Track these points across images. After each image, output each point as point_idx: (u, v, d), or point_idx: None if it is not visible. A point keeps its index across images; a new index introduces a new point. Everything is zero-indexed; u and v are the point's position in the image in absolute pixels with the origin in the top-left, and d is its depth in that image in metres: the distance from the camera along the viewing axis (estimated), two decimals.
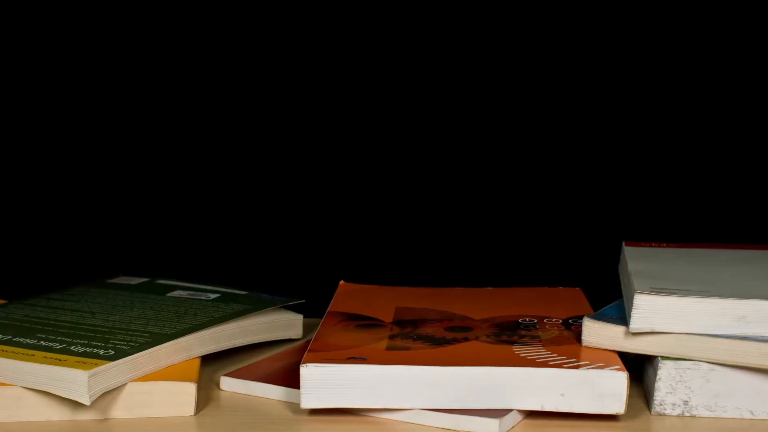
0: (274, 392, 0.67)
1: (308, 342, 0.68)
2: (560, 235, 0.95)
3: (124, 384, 0.63)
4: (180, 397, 0.64)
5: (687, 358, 0.63)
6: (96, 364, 0.61)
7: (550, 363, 0.62)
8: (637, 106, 0.93)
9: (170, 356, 0.67)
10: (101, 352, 0.64)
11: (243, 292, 0.83)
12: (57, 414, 0.62)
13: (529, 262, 0.95)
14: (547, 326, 0.71)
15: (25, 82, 0.97)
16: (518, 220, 0.96)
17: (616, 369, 0.61)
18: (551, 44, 0.93)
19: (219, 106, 0.98)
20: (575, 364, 0.62)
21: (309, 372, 0.62)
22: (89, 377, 0.60)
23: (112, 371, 0.62)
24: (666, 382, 0.63)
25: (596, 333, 0.66)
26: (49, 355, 0.63)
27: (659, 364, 0.63)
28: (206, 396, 0.68)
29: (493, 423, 0.60)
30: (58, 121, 0.98)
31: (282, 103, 0.97)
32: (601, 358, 0.63)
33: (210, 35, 0.96)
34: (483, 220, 0.96)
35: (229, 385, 0.70)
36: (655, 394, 0.64)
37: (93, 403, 0.62)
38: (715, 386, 0.63)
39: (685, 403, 0.63)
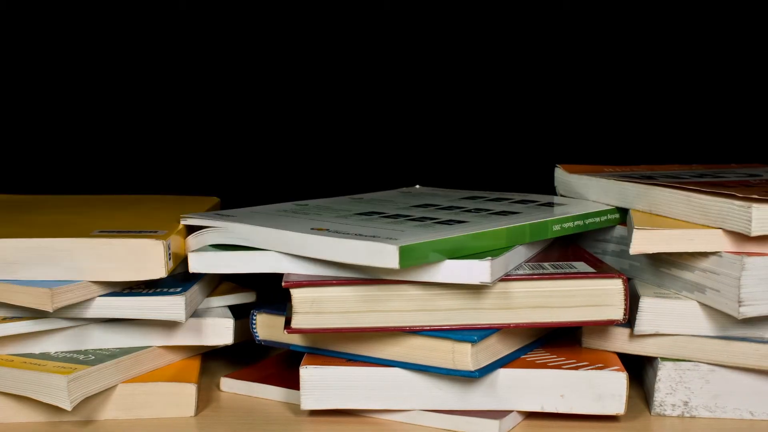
0: (274, 393, 0.68)
1: None
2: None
3: (114, 386, 0.63)
4: (180, 398, 0.64)
5: (687, 359, 0.63)
6: (75, 369, 0.60)
7: (550, 364, 0.62)
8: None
9: (158, 358, 0.67)
10: (81, 357, 0.64)
11: None
12: (56, 414, 0.63)
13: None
14: None
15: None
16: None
17: (615, 370, 0.61)
18: None
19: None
20: (575, 365, 0.62)
21: (308, 373, 0.62)
22: (69, 382, 0.59)
23: (94, 375, 0.61)
24: (666, 383, 0.63)
25: (595, 334, 0.66)
26: (28, 360, 0.63)
27: (659, 365, 0.63)
28: (206, 397, 0.68)
29: (493, 424, 0.60)
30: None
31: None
32: (600, 359, 0.63)
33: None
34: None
35: (229, 386, 0.70)
36: (655, 394, 0.64)
37: (94, 405, 0.63)
38: (714, 387, 0.63)
39: (685, 403, 0.63)
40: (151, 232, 0.66)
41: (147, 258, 0.63)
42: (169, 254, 0.64)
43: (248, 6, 0.98)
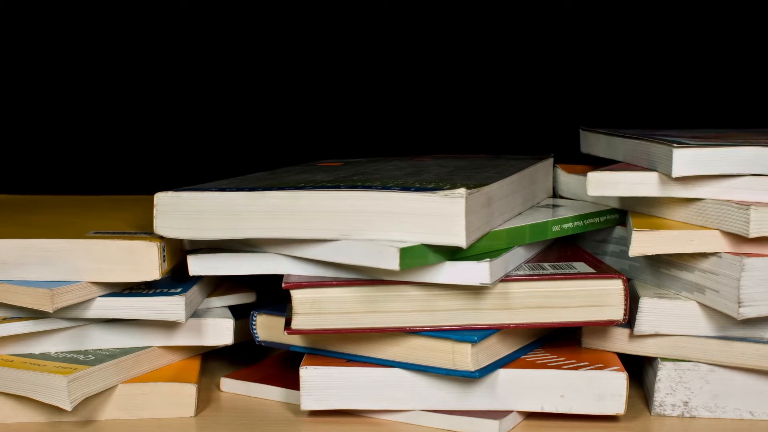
0: (274, 393, 0.68)
1: None
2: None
3: (114, 387, 0.63)
4: (180, 399, 0.64)
5: (687, 359, 0.63)
6: (75, 369, 0.60)
7: (550, 364, 0.62)
8: None
9: (158, 358, 0.67)
10: (81, 357, 0.64)
11: None
12: (56, 414, 0.63)
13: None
14: None
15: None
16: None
17: (615, 370, 0.61)
18: None
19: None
20: (575, 365, 0.62)
21: (308, 374, 0.62)
22: (69, 382, 0.59)
23: (94, 376, 0.61)
24: (666, 383, 0.63)
25: (595, 334, 0.66)
26: (28, 360, 0.63)
27: (659, 366, 0.64)
28: (206, 397, 0.68)
29: (493, 424, 0.60)
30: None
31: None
32: (600, 359, 0.64)
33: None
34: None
35: (229, 386, 0.70)
36: (655, 395, 0.64)
37: (94, 405, 0.63)
38: (714, 387, 0.63)
39: (685, 404, 0.63)
40: (145, 233, 0.66)
41: (141, 259, 0.63)
42: (164, 256, 0.64)
43: (248, 5, 0.98)
